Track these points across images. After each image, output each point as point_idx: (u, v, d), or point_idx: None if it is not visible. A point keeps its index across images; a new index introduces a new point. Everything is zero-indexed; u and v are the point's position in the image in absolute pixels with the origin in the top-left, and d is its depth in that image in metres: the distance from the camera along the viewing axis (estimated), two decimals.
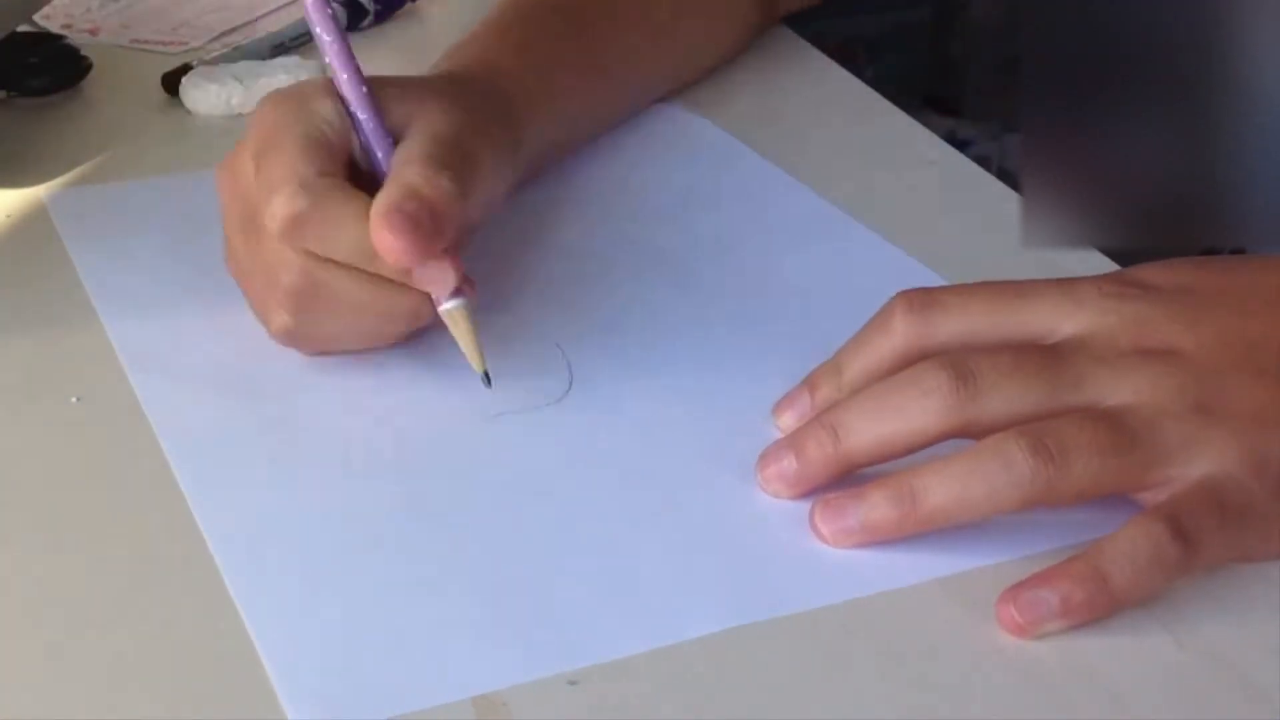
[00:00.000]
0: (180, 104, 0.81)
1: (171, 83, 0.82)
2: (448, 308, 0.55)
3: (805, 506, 0.50)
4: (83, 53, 0.84)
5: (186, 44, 0.90)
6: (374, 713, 0.43)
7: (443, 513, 0.51)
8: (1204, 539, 0.46)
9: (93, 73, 0.83)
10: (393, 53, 0.92)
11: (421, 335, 0.59)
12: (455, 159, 0.55)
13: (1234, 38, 0.50)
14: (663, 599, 0.47)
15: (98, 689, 0.44)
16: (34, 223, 0.69)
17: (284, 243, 0.54)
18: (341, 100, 0.57)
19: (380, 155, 0.57)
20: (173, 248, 0.67)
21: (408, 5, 0.96)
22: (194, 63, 0.83)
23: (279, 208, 0.53)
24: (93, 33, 0.91)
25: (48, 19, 0.92)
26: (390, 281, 0.55)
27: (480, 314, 0.58)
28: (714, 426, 0.55)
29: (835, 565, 0.49)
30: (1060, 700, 0.44)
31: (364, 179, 0.56)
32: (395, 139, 0.57)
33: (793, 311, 0.62)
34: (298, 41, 0.88)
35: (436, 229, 0.53)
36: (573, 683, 0.44)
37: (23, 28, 0.84)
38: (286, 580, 0.48)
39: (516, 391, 0.57)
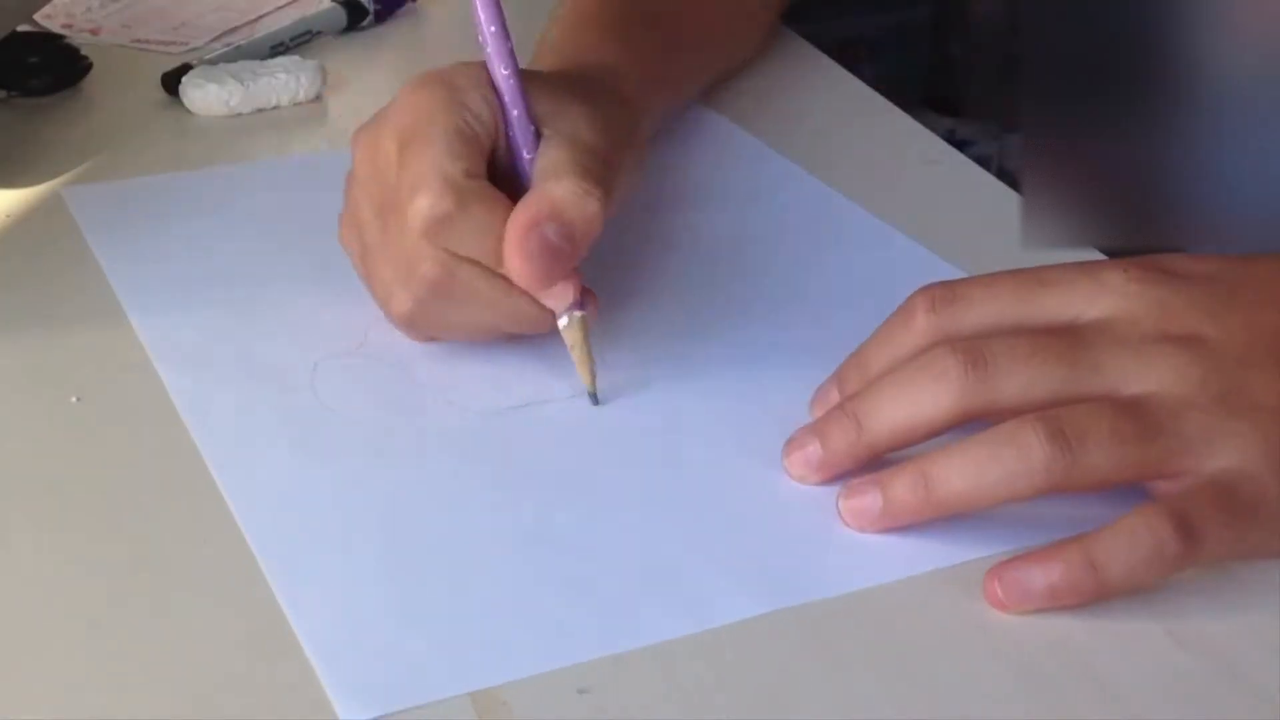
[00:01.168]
0: (180, 104, 0.81)
1: (171, 82, 0.82)
2: (564, 323, 0.56)
3: (829, 494, 0.51)
4: (83, 52, 0.84)
5: (187, 44, 0.90)
6: (419, 698, 0.43)
7: (470, 503, 0.51)
8: (1209, 535, 0.46)
9: (93, 73, 0.83)
10: (393, 53, 0.92)
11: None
12: (601, 169, 0.55)
13: (1233, 39, 0.50)
14: (691, 588, 0.47)
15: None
16: (34, 223, 0.69)
17: (425, 240, 0.54)
18: (494, 92, 0.56)
19: (526, 156, 0.56)
20: (194, 241, 0.67)
21: (408, 5, 0.96)
22: (194, 62, 0.83)
23: (424, 207, 0.53)
24: (93, 32, 0.92)
25: (48, 19, 0.92)
26: (519, 288, 0.55)
27: None
28: (739, 418, 0.55)
29: (862, 552, 0.49)
30: (1060, 699, 0.44)
31: (504, 173, 0.56)
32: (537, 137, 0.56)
33: (817, 305, 0.62)
34: (297, 41, 0.88)
35: (573, 253, 0.54)
36: (582, 691, 0.44)
37: (23, 27, 0.84)
38: (325, 573, 0.48)
39: (543, 383, 0.57)
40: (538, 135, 0.56)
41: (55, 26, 0.91)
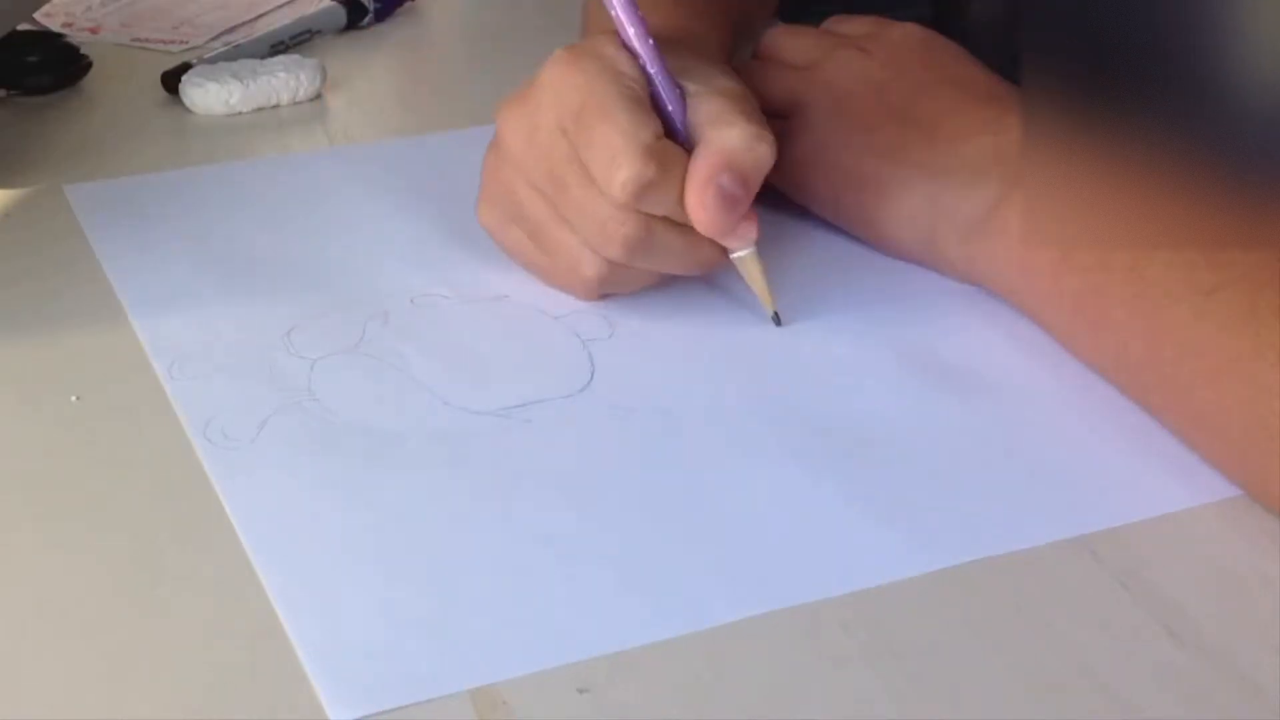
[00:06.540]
0: (180, 102, 0.81)
1: (171, 81, 0.82)
2: (739, 255, 0.59)
3: (829, 496, 0.51)
4: (82, 51, 0.84)
5: (186, 43, 0.90)
6: (411, 697, 0.43)
7: (465, 502, 0.51)
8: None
9: (93, 71, 0.83)
10: (393, 51, 0.92)
11: (448, 330, 0.59)
12: (759, 113, 0.59)
13: (1235, 37, 0.50)
14: (690, 587, 0.48)
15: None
16: (34, 221, 0.69)
17: (627, 206, 0.56)
18: (632, 54, 0.59)
19: (673, 110, 0.58)
20: (194, 239, 0.67)
21: (407, 4, 0.96)
22: (193, 61, 0.83)
23: (630, 176, 0.55)
24: (93, 31, 0.92)
25: (48, 17, 0.92)
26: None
27: (500, 305, 0.59)
28: (734, 416, 0.55)
29: (862, 552, 0.49)
30: (1060, 699, 0.44)
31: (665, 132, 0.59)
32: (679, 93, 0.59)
33: (816, 302, 0.62)
34: (297, 40, 0.89)
35: (747, 197, 0.57)
36: (582, 690, 0.44)
37: (23, 26, 0.84)
38: (320, 573, 0.48)
39: (538, 382, 0.57)
40: (681, 92, 0.59)
41: (55, 25, 0.91)
